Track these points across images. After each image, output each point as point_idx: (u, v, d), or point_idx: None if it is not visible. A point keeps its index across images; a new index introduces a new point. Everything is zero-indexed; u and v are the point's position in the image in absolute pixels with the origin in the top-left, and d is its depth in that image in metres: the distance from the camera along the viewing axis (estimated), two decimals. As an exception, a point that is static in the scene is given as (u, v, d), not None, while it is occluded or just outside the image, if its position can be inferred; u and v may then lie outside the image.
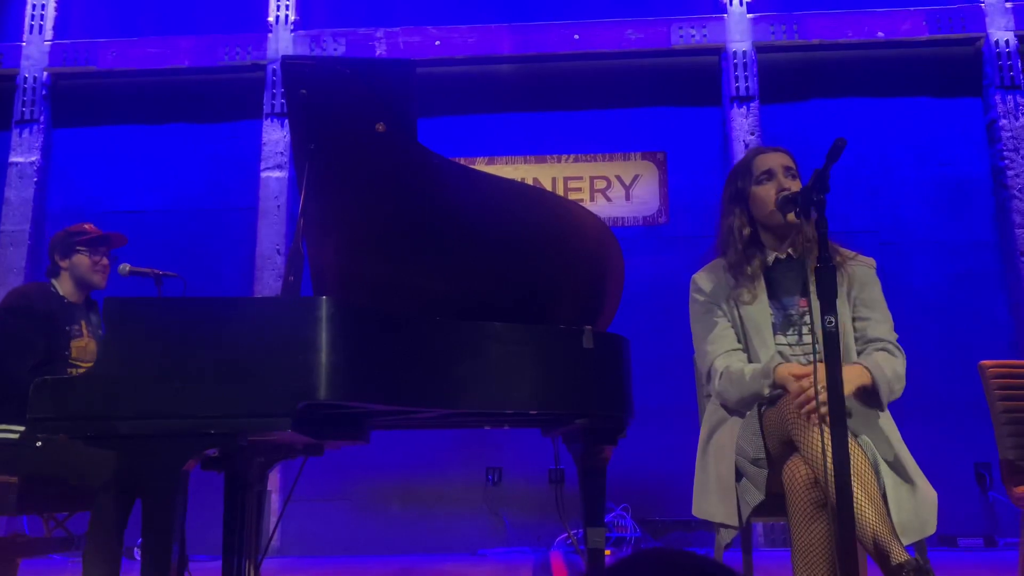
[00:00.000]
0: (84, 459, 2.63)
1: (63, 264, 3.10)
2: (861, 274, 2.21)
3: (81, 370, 2.91)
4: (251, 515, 2.70)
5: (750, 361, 2.20)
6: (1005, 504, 5.09)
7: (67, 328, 3.00)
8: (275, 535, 4.46)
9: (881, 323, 2.19)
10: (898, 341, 2.23)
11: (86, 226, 3.18)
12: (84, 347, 3.02)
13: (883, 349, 2.17)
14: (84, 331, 3.06)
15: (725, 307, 2.26)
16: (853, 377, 2.02)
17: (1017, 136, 5.85)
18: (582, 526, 2.63)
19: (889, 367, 2.11)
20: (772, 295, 2.22)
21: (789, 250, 2.22)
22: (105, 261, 3.13)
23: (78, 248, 3.10)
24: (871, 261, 2.27)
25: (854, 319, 2.21)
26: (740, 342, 2.24)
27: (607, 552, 2.86)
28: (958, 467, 5.30)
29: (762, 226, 2.25)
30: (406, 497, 5.55)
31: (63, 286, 3.10)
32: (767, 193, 2.20)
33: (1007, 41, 5.97)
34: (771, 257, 2.23)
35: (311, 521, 5.42)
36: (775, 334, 2.19)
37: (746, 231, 2.25)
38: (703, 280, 2.33)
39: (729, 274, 2.26)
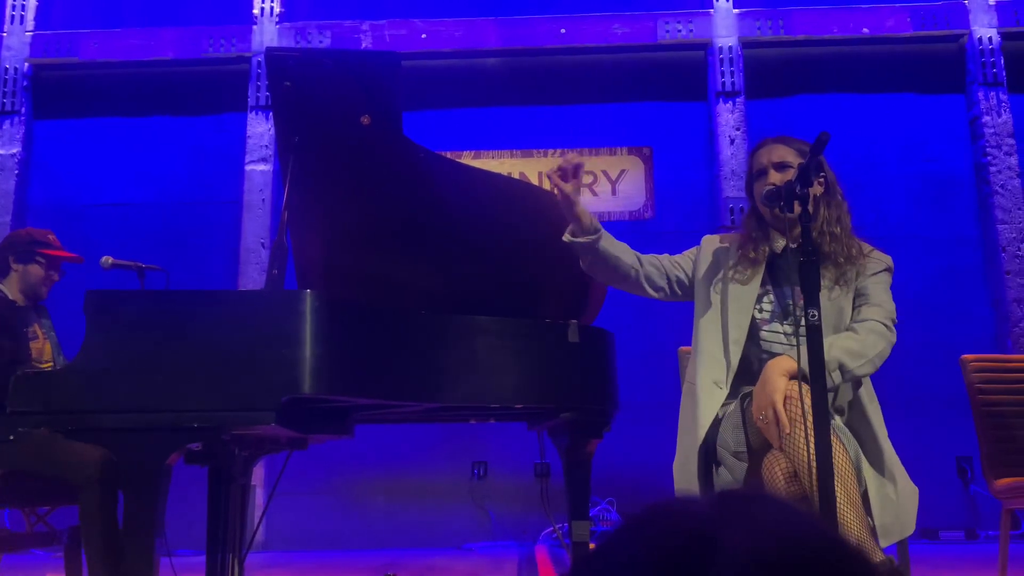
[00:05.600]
0: (66, 453, 2.62)
1: (15, 267, 3.02)
2: (870, 266, 2.22)
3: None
4: (235, 509, 2.69)
5: (723, 338, 2.20)
6: (986, 497, 5.14)
7: (24, 330, 2.96)
8: (259, 529, 4.45)
9: (876, 307, 2.16)
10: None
11: (50, 236, 3.11)
12: (41, 349, 2.99)
13: (862, 328, 2.12)
14: (39, 333, 3.03)
15: (712, 273, 2.28)
16: (782, 368, 1.97)
17: (999, 133, 5.89)
18: (567, 520, 2.64)
19: (840, 345, 2.03)
20: (775, 283, 2.23)
21: (800, 240, 2.23)
22: (56, 277, 3.09)
23: (38, 258, 3.03)
24: (887, 259, 2.26)
25: (854, 306, 2.21)
26: (717, 316, 2.24)
27: (592, 546, 2.86)
28: (940, 461, 5.35)
29: (765, 219, 2.27)
30: (391, 491, 5.55)
31: (9, 288, 3.03)
32: (759, 189, 2.22)
33: (990, 38, 6.01)
34: (780, 245, 2.24)
35: (296, 515, 5.41)
36: (772, 321, 2.20)
37: (751, 222, 2.27)
38: (709, 241, 2.37)
39: (736, 251, 2.28)
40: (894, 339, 2.13)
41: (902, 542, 2.09)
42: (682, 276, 2.33)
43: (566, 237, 2.15)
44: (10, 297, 3.03)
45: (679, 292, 2.34)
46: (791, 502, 0.51)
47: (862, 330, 2.09)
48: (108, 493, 2.54)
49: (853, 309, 2.19)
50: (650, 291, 2.29)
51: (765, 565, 0.45)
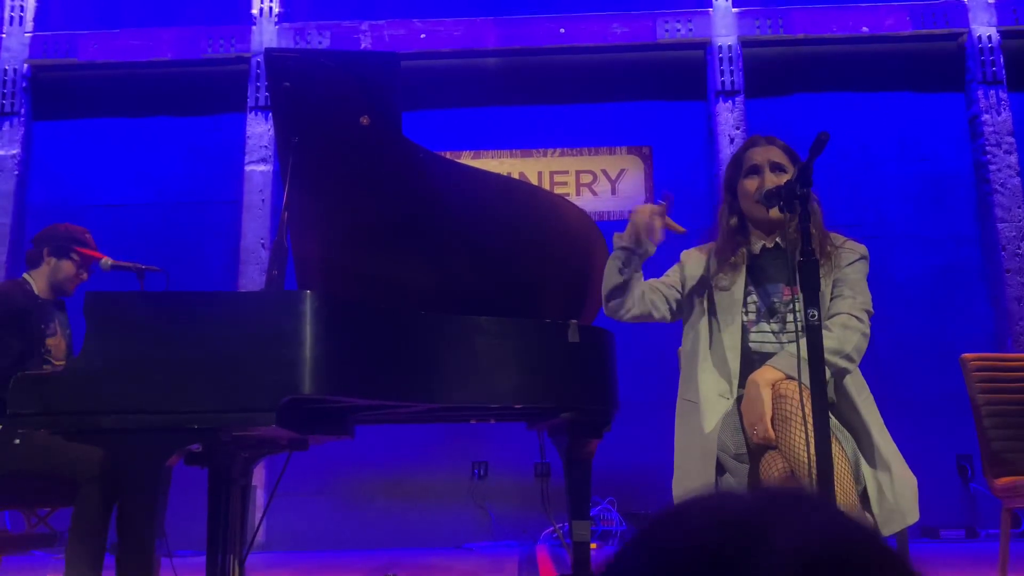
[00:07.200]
0: (66, 454, 2.62)
1: (48, 260, 3.04)
2: (845, 256, 2.20)
3: (55, 368, 2.89)
4: (235, 510, 2.69)
5: (720, 348, 2.19)
6: (986, 496, 5.14)
7: (42, 326, 2.97)
8: (260, 530, 4.44)
9: (848, 298, 2.13)
10: (881, 335, 2.20)
11: (87, 235, 3.13)
12: (57, 345, 3.00)
13: (832, 324, 2.10)
14: (58, 330, 3.04)
15: (698, 287, 2.28)
16: (766, 380, 1.98)
17: (999, 131, 5.89)
18: (568, 520, 2.64)
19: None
20: (757, 283, 2.22)
21: (777, 239, 2.22)
22: (85, 277, 3.11)
23: (72, 255, 3.06)
24: (861, 248, 2.24)
25: (831, 298, 2.18)
26: (708, 325, 2.24)
27: (593, 545, 2.87)
28: (940, 459, 5.35)
29: (748, 218, 2.26)
30: (391, 491, 5.55)
31: (37, 281, 3.05)
32: (750, 187, 2.20)
33: (989, 36, 6.00)
34: (758, 246, 2.24)
35: (296, 516, 5.41)
36: (759, 321, 2.19)
37: (732, 221, 2.26)
38: (688, 256, 2.37)
39: (714, 259, 2.27)
40: (867, 330, 2.10)
41: (902, 539, 2.09)
42: (679, 296, 2.33)
43: (623, 243, 2.20)
44: (35, 290, 3.04)
45: (678, 313, 2.35)
46: (834, 505, 0.52)
47: (834, 326, 2.08)
48: (108, 491, 2.54)
49: (831, 298, 2.17)
50: (655, 316, 2.30)
51: (812, 564, 0.46)
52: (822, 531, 0.48)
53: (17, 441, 2.68)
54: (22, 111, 6.16)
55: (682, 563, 0.48)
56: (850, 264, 2.18)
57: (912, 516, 1.97)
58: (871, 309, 2.15)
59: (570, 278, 2.83)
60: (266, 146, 6.04)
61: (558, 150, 6.09)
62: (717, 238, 2.31)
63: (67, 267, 3.05)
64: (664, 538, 0.51)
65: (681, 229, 2.21)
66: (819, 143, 1.79)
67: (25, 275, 3.08)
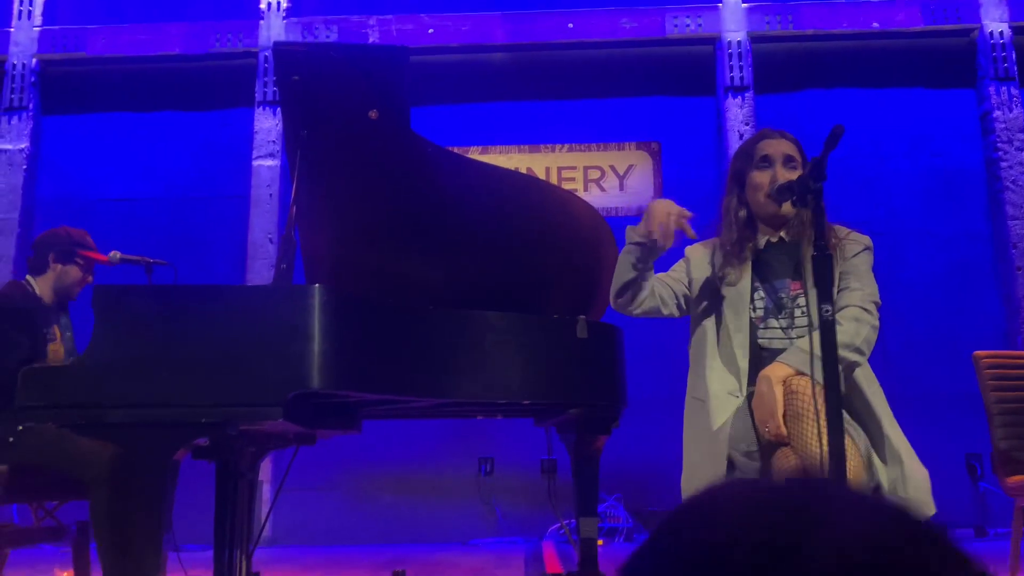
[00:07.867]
0: (74, 448, 2.61)
1: (54, 266, 3.04)
2: (850, 248, 2.18)
3: None
4: (243, 505, 2.68)
5: (728, 345, 2.17)
6: (996, 494, 5.11)
7: (44, 330, 2.98)
8: (267, 525, 4.45)
9: (856, 291, 2.12)
10: (891, 332, 2.18)
11: (88, 238, 3.12)
12: (56, 350, 2.99)
13: (842, 317, 2.08)
14: (57, 334, 3.04)
15: (705, 283, 2.25)
16: (778, 377, 1.96)
17: (1011, 127, 5.85)
18: (575, 516, 2.63)
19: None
20: (763, 279, 2.19)
21: (782, 233, 2.20)
22: (91, 279, 3.10)
23: (77, 260, 3.05)
24: (865, 239, 2.21)
25: (838, 291, 2.16)
26: (713, 319, 2.21)
27: (599, 542, 2.86)
28: (949, 458, 5.32)
29: (754, 211, 2.23)
30: (398, 487, 5.55)
31: (41, 286, 3.04)
32: (761, 180, 2.17)
33: (1001, 32, 5.96)
34: (763, 240, 2.21)
35: (303, 511, 5.41)
36: (767, 317, 2.17)
37: (741, 213, 2.22)
38: (693, 251, 2.34)
39: (720, 253, 2.25)
40: (876, 322, 2.09)
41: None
42: (687, 292, 2.30)
43: (637, 236, 2.15)
44: (39, 294, 3.04)
45: (686, 308, 2.32)
46: (879, 497, 0.48)
47: (844, 319, 2.05)
48: (118, 491, 2.53)
49: (838, 291, 2.14)
50: (664, 312, 2.27)
51: (873, 549, 0.43)
52: (880, 519, 0.45)
53: (12, 439, 2.66)
54: (30, 105, 6.17)
55: (723, 556, 0.44)
56: (856, 255, 2.17)
57: (928, 509, 1.95)
58: (879, 300, 2.14)
59: (579, 274, 2.82)
60: (274, 141, 6.04)
61: (566, 146, 6.08)
62: (721, 231, 2.28)
63: (73, 272, 3.05)
64: (696, 530, 0.47)
65: (693, 234, 2.18)
66: (834, 136, 1.76)
67: (28, 277, 3.07)
